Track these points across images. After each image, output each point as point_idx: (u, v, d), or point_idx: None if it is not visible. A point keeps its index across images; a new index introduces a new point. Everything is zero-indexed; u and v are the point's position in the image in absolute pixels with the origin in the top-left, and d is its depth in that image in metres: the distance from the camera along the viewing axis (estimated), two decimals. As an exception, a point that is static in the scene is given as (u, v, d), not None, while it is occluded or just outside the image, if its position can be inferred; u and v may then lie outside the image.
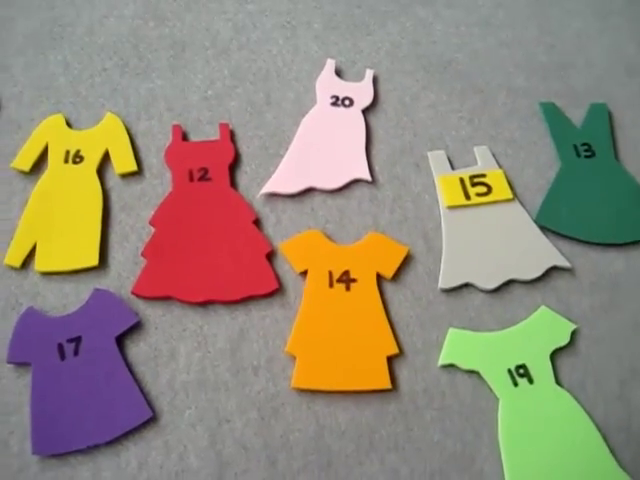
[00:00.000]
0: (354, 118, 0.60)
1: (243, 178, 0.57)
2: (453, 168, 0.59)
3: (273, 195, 0.56)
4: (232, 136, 0.60)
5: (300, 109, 0.61)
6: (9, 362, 0.49)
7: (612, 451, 0.47)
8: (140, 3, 0.68)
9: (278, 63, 0.64)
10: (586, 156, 0.59)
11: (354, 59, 0.65)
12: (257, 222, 0.55)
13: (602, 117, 0.62)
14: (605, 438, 0.47)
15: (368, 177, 0.56)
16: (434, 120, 0.61)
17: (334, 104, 0.60)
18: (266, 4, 0.68)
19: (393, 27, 0.67)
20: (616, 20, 0.70)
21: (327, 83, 0.62)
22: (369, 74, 0.62)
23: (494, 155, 0.59)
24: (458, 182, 0.57)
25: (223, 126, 0.59)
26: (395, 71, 0.64)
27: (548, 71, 0.65)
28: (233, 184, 0.57)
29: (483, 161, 0.58)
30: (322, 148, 0.58)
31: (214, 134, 0.59)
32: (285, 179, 0.57)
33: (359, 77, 0.63)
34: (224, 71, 0.63)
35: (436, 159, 0.59)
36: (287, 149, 0.58)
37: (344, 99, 0.60)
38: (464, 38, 0.67)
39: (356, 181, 0.57)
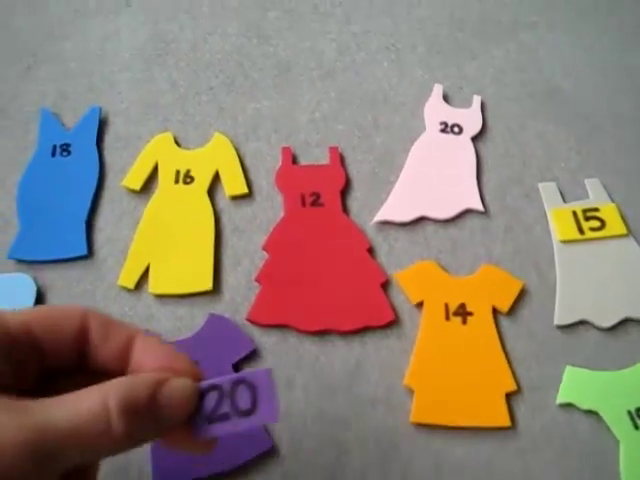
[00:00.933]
0: (464, 146, 0.59)
1: (354, 204, 0.57)
2: (564, 200, 0.57)
3: (385, 223, 0.56)
4: (342, 161, 0.58)
5: (409, 134, 0.60)
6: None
7: None
8: (242, 21, 0.68)
9: (384, 86, 0.64)
10: None
11: (459, 84, 0.64)
12: (371, 250, 0.54)
13: None
14: None
15: (480, 207, 0.56)
16: (542, 150, 0.60)
17: (443, 131, 0.59)
18: (369, 25, 0.68)
19: (497, 52, 0.66)
20: None
21: (435, 109, 0.61)
22: (477, 100, 0.61)
23: (605, 187, 0.58)
24: (571, 216, 0.56)
25: (333, 150, 0.59)
26: (501, 98, 0.63)
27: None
28: (344, 210, 0.56)
29: (595, 194, 0.58)
30: (433, 176, 0.58)
31: (322, 157, 0.59)
32: (398, 207, 0.57)
33: (465, 103, 0.63)
34: (330, 93, 0.63)
35: (548, 191, 0.58)
36: (397, 175, 0.58)
37: (453, 126, 0.59)
38: (568, 63, 0.66)
39: (467, 211, 0.57)
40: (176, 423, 0.29)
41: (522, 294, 0.54)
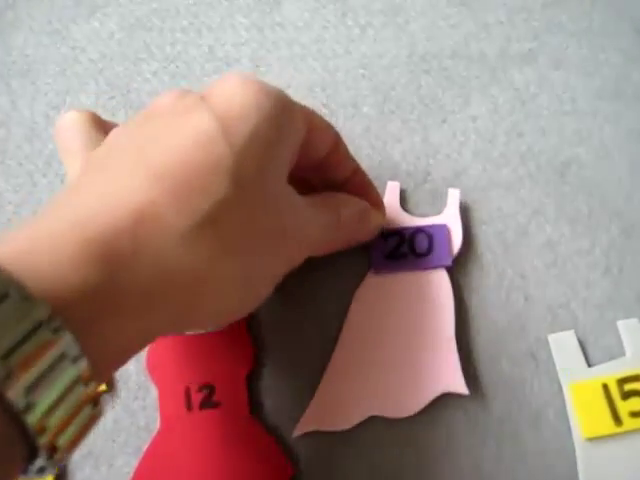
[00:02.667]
0: (436, 286, 0.37)
1: (267, 395, 0.35)
2: (589, 361, 0.36)
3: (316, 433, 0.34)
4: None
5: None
6: None
7: None
8: (101, 86, 0.43)
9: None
10: None
11: (425, 165, 0.42)
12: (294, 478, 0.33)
13: None
14: None
15: (464, 390, 0.34)
16: (553, 270, 0.38)
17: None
18: (289, 74, 0.44)
19: (479, 106, 0.43)
20: None
21: (389, 219, 0.38)
22: (453, 197, 0.39)
23: (647, 333, 0.36)
24: (600, 393, 0.36)
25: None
26: (489, 184, 0.41)
27: None
28: (254, 409, 0.35)
29: (634, 347, 0.36)
30: (382, 337, 0.36)
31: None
32: (329, 410, 0.36)
33: (434, 198, 0.40)
34: None
35: (561, 347, 0.38)
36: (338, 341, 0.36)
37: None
38: (584, 120, 0.43)
39: (444, 395, 0.35)
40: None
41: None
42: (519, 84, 0.45)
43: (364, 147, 0.42)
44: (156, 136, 0.27)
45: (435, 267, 0.39)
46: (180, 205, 0.25)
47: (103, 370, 0.24)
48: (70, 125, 0.32)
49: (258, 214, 0.28)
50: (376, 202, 0.38)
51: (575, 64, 0.45)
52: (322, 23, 0.47)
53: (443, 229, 0.40)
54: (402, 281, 0.39)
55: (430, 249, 0.40)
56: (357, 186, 0.37)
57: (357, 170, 0.37)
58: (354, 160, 0.36)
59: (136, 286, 0.24)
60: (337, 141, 0.34)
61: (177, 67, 0.46)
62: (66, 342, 0.20)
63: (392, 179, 0.41)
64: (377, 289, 0.39)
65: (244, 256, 0.28)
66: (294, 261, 0.33)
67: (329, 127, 0.34)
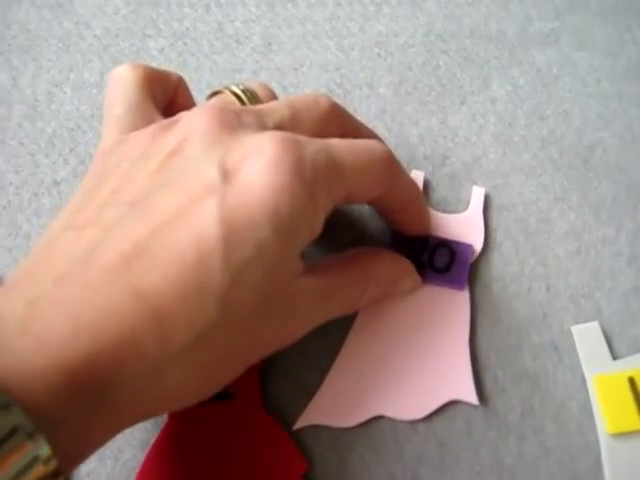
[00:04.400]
0: (454, 303, 0.36)
1: (280, 389, 0.34)
2: (614, 354, 0.34)
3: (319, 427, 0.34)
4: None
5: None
6: None
7: None
8: (105, 63, 0.42)
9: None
10: None
11: (444, 149, 0.39)
12: (307, 475, 0.31)
13: None
14: None
15: (474, 400, 0.34)
16: (577, 259, 0.37)
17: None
18: (300, 51, 0.43)
19: (499, 87, 0.41)
20: None
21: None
22: (477, 196, 0.37)
23: (675, 327, 0.35)
24: (626, 386, 0.35)
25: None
26: (510, 169, 0.39)
27: None
28: (265, 404, 0.35)
29: None
30: (391, 344, 0.37)
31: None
32: (334, 405, 0.35)
33: (454, 180, 0.40)
34: None
35: (586, 339, 0.36)
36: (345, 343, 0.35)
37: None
38: (613, 103, 0.41)
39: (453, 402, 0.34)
40: None
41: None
42: (540, 65, 0.43)
43: (380, 129, 0.41)
44: (150, 228, 0.25)
45: (450, 287, 0.37)
46: (161, 336, 0.24)
47: (71, 466, 0.24)
48: (117, 84, 0.31)
49: (248, 333, 0.27)
50: None
51: (599, 44, 0.44)
52: (336, 0, 0.44)
53: (468, 250, 0.38)
54: (419, 290, 0.37)
55: (449, 267, 0.38)
56: (409, 223, 0.36)
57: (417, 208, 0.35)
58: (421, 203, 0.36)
59: (110, 405, 0.24)
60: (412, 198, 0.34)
61: (185, 44, 0.44)
62: (38, 445, 0.21)
63: (410, 163, 0.39)
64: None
65: (224, 370, 0.28)
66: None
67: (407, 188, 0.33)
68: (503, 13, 0.45)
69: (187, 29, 0.44)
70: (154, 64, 0.41)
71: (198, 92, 0.39)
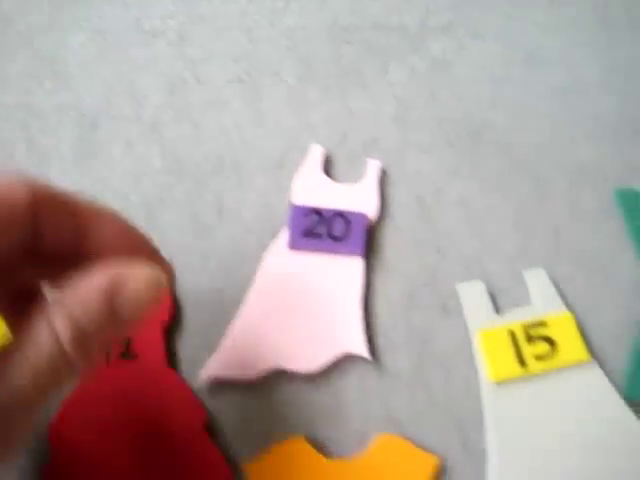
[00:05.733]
0: (348, 269, 0.39)
1: (186, 347, 0.38)
2: (497, 310, 0.37)
3: (224, 381, 0.36)
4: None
5: (269, 218, 0.40)
6: None
7: None
8: (28, 57, 0.45)
9: (232, 143, 0.42)
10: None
11: (344, 128, 0.43)
12: (206, 425, 0.34)
13: None
14: None
15: (365, 353, 0.37)
16: (466, 226, 0.41)
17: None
18: (212, 46, 0.47)
19: (397, 73, 0.44)
20: None
21: (309, 189, 0.40)
22: (373, 168, 0.41)
23: (554, 281, 0.38)
24: (507, 338, 0.37)
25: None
26: (406, 147, 0.43)
27: (623, 133, 0.45)
28: (170, 360, 0.38)
29: (541, 296, 0.39)
30: (292, 303, 0.39)
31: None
32: (235, 357, 0.38)
33: (352, 157, 0.44)
34: (153, 158, 0.41)
35: (471, 297, 0.39)
36: (245, 299, 0.37)
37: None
38: (500, 86, 0.46)
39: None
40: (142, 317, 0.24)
41: (437, 474, 0.36)
42: (437, 53, 0.47)
43: (283, 113, 0.43)
44: None
45: (347, 253, 0.40)
46: None
47: None
48: None
49: None
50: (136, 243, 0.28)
51: (492, 33, 0.47)
52: (248, -3, 0.48)
53: (362, 219, 0.41)
54: (315, 258, 0.40)
55: (346, 235, 0.41)
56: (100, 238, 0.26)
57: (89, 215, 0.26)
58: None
59: None
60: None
61: (104, 39, 0.47)
62: None
63: (311, 142, 0.42)
64: (288, 259, 0.40)
65: None
66: None
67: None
68: (404, 6, 0.48)
69: (106, 25, 0.47)
70: (75, 57, 0.44)
71: (118, 83, 0.42)
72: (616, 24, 0.48)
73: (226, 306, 0.38)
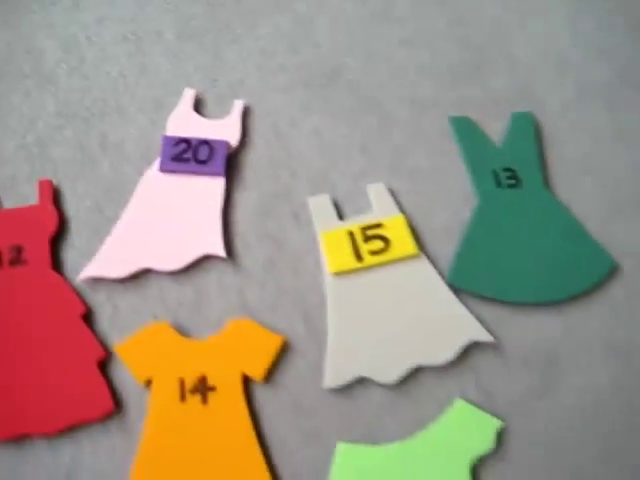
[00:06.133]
0: (211, 187, 0.46)
1: (71, 254, 0.44)
2: (341, 218, 0.44)
3: (99, 280, 0.42)
4: (56, 197, 0.45)
5: (146, 152, 0.47)
6: None
7: None
8: None
9: (119, 89, 0.50)
10: (509, 185, 0.46)
11: (215, 76, 0.50)
12: (87, 316, 0.41)
13: (527, 130, 0.49)
14: None
15: (222, 253, 0.44)
16: (317, 152, 0.48)
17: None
18: (104, 11, 0.53)
19: (264, 29, 0.52)
20: (543, 2, 0.55)
21: (181, 124, 0.47)
22: (237, 107, 0.49)
23: (393, 193, 0.45)
24: (346, 238, 0.44)
25: (44, 184, 0.45)
26: (268, 89, 0.50)
27: (459, 73, 0.52)
28: (56, 265, 0.44)
29: (379, 204, 0.45)
30: (163, 214, 0.46)
31: (33, 197, 0.44)
32: (111, 259, 0.44)
33: (221, 101, 0.51)
34: (48, 107, 0.48)
35: (318, 207, 0.45)
36: (123, 213, 0.43)
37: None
38: (354, 37, 0.53)
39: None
40: None
41: (285, 352, 0.43)
42: (300, 11, 0.54)
43: (163, 64, 0.51)
44: None
45: (210, 174, 0.47)
46: None
47: None
48: None
49: None
50: None
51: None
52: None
53: (223, 145, 0.48)
54: (183, 178, 0.47)
55: (209, 159, 0.48)
56: None
57: None
58: None
59: None
60: None
61: (6, 4, 0.54)
62: None
63: (185, 87, 0.50)
64: (160, 180, 0.47)
65: None
66: None
67: None
68: None
69: (8, -4, 0.54)
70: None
71: (18, 44, 0.49)
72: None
73: (107, 222, 0.45)
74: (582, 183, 0.48)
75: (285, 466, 0.39)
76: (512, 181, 0.47)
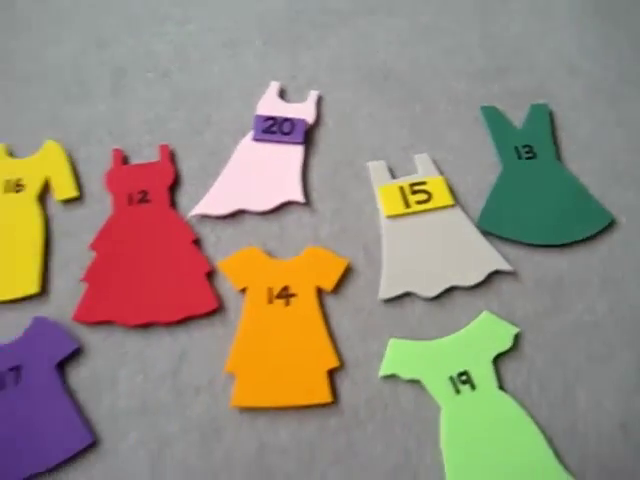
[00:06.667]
0: (291, 152, 0.61)
1: (183, 199, 0.57)
2: (394, 178, 0.58)
3: (206, 216, 0.56)
4: (172, 157, 0.59)
5: (240, 127, 0.61)
6: (-50, 395, 0.47)
7: (557, 454, 0.47)
8: (80, 30, 0.68)
9: (219, 82, 0.64)
10: (527, 157, 0.59)
11: (294, 73, 0.65)
12: (197, 242, 0.55)
13: (543, 118, 0.62)
14: (550, 441, 0.47)
15: (301, 199, 0.57)
16: (375, 130, 0.61)
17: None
18: (207, 23, 0.68)
19: (333, 40, 0.67)
20: (557, 22, 0.70)
21: (268, 106, 0.62)
22: (312, 95, 0.62)
23: (435, 162, 0.59)
24: (398, 191, 0.56)
25: (163, 147, 0.59)
26: (336, 84, 0.64)
27: (489, 75, 0.65)
28: (173, 205, 0.57)
29: (423, 169, 0.58)
30: (256, 170, 0.59)
31: (154, 156, 0.59)
32: (216, 201, 0.57)
33: (300, 93, 0.65)
34: (165, 93, 0.64)
35: (376, 170, 0.59)
36: (225, 169, 0.58)
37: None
38: (405, 46, 0.67)
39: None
40: None
41: (349, 273, 0.54)
42: (361, 26, 0.69)
43: (253, 64, 0.66)
44: None
45: (292, 143, 0.61)
46: None
47: None
48: None
49: None
50: None
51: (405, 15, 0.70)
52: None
53: (302, 122, 0.61)
54: (271, 145, 0.61)
55: (291, 132, 0.61)
56: None
57: None
58: None
59: None
60: None
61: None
62: None
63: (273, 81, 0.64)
64: (254, 147, 0.61)
65: None
66: None
67: None
68: None
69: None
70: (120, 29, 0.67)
71: (138, 51, 0.65)
72: None
73: (209, 177, 0.59)
74: (587, 158, 0.61)
75: (349, 355, 0.51)
76: (530, 154, 0.60)
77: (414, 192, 0.57)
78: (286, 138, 0.59)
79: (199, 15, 0.69)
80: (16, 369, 0.49)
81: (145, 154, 0.60)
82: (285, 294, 0.51)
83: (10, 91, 0.65)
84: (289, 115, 0.61)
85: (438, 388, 0.49)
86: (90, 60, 0.67)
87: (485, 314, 0.52)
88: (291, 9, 0.69)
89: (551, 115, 0.62)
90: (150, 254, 0.54)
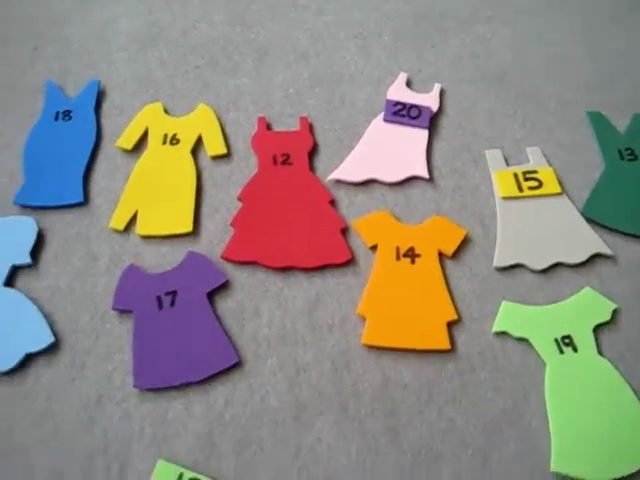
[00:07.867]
0: (418, 133, 0.68)
1: (320, 165, 0.65)
2: (507, 165, 0.65)
3: (340, 181, 0.63)
4: (310, 128, 0.67)
5: (371, 108, 0.69)
6: (114, 309, 0.55)
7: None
8: (228, 11, 0.76)
9: (351, 68, 0.72)
10: (629, 159, 0.66)
11: (419, 67, 0.72)
12: (333, 202, 0.62)
13: (644, 126, 0.69)
14: (641, 402, 0.51)
15: (426, 175, 0.64)
16: (491, 123, 0.68)
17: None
18: (340, 16, 0.76)
19: (454, 41, 0.74)
20: None
21: (397, 93, 0.69)
22: (437, 87, 0.70)
23: (545, 156, 0.65)
24: (512, 177, 0.63)
25: (303, 119, 0.67)
26: (456, 80, 0.71)
27: (595, 85, 0.72)
28: (311, 169, 0.64)
29: (535, 160, 0.65)
30: (387, 146, 0.66)
31: (294, 126, 0.67)
32: (351, 169, 0.64)
33: (423, 84, 0.72)
34: (303, 73, 0.71)
35: (493, 156, 0.66)
36: (359, 142, 0.65)
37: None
38: (519, 53, 0.74)
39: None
40: None
41: (467, 242, 0.61)
42: (480, 31, 0.77)
43: (382, 56, 0.73)
44: None
45: (419, 126, 0.68)
46: None
47: None
48: None
49: None
50: None
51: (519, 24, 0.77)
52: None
53: (428, 109, 0.69)
54: (400, 127, 0.69)
55: (418, 117, 0.69)
56: None
57: None
58: None
59: None
60: None
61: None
62: None
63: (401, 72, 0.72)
64: (385, 126, 0.69)
65: None
66: None
67: None
68: (461, 3, 0.79)
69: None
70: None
71: (282, 36, 0.74)
72: None
73: (344, 149, 0.66)
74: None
75: (465, 312, 0.57)
76: (631, 157, 0.67)
77: (527, 179, 0.63)
78: (413, 122, 0.66)
79: (334, 8, 0.77)
80: (172, 294, 0.56)
81: (286, 123, 0.67)
82: (411, 254, 0.58)
83: (165, 60, 0.73)
84: (416, 102, 0.68)
85: (544, 347, 0.54)
86: (237, 39, 0.74)
87: (587, 289, 0.58)
88: (416, 12, 0.77)
89: (651, 124, 0.69)
90: (292, 208, 0.61)
